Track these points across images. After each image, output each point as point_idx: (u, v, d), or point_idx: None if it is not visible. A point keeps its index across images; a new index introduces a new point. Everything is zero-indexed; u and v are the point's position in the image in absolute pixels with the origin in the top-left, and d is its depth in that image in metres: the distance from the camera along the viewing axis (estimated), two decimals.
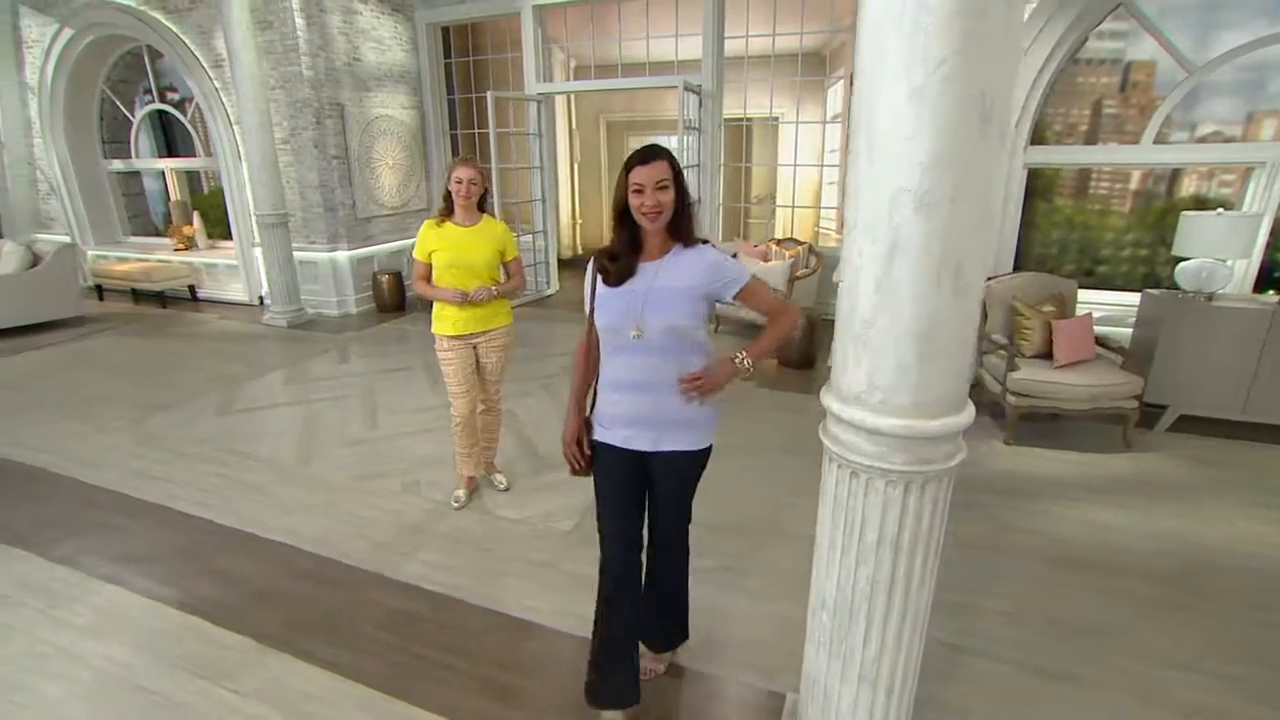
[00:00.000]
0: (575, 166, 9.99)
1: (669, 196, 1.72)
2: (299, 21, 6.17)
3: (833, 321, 5.48)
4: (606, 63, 7.62)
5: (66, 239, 8.10)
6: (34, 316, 6.44)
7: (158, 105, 7.95)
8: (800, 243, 6.12)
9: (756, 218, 8.95)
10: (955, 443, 1.35)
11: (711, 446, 1.93)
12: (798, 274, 5.55)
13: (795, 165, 6.64)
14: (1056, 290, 4.36)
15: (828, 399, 1.40)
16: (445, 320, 3.06)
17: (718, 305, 1.88)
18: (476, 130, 7.85)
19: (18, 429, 4.24)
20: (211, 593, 2.66)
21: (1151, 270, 5.29)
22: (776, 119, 8.02)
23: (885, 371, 1.28)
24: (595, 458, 1.94)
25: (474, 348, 3.16)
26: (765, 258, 6.22)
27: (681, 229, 1.79)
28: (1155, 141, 4.73)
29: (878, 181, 1.20)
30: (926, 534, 1.40)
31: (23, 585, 2.70)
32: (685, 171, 6.19)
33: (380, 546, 2.97)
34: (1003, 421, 4.05)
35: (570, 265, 9.34)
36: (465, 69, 7.92)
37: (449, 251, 2.96)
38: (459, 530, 3.10)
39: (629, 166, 1.73)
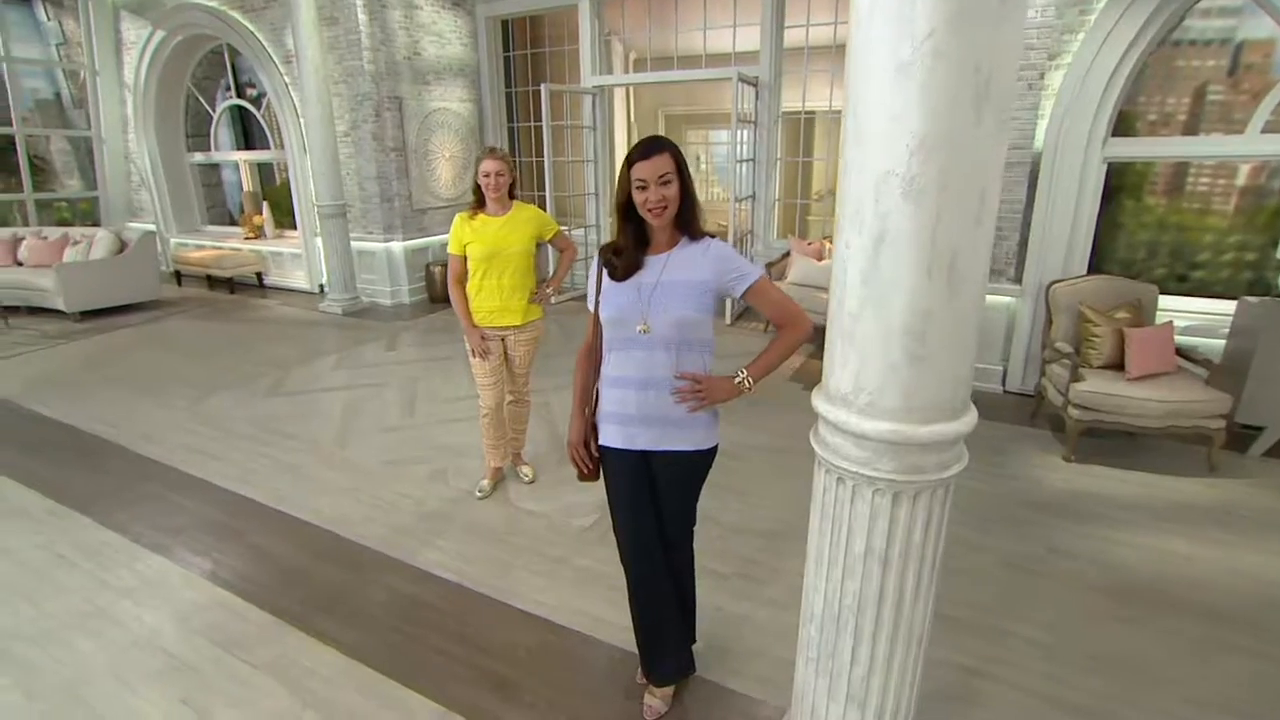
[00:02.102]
0: None
1: (673, 190, 1.69)
2: (361, 17, 6.42)
3: None
4: (663, 55, 7.59)
5: (153, 227, 8.73)
6: (119, 299, 6.97)
7: (234, 100, 8.45)
8: None
9: (817, 215, 8.72)
10: (951, 452, 1.26)
11: (716, 447, 1.89)
12: None
13: None
14: (1133, 296, 4.05)
15: (816, 399, 1.34)
16: (480, 311, 3.12)
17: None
18: (533, 123, 7.97)
19: (95, 403, 4.61)
20: (241, 567, 2.81)
21: (1259, 276, 4.82)
22: (840, 112, 7.78)
23: (872, 371, 1.21)
24: (602, 461, 1.94)
25: (503, 340, 3.21)
26: (819, 256, 6.05)
27: (688, 221, 1.76)
28: (1265, 131, 4.28)
29: (864, 165, 1.14)
30: (920, 549, 1.31)
31: (79, 547, 2.93)
32: (738, 166, 6.03)
33: (401, 532, 3.05)
34: (1065, 436, 3.79)
35: None
36: (524, 62, 8.06)
37: (484, 243, 3.01)
38: (479, 520, 3.16)
39: (630, 161, 1.70)
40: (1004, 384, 4.69)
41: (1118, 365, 3.82)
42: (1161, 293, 4.16)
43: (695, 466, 1.86)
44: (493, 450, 3.40)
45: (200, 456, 3.80)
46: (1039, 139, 4.37)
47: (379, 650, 2.33)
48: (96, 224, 8.81)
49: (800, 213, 8.06)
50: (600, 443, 1.91)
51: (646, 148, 1.69)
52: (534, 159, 8.06)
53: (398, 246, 7.33)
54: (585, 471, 1.96)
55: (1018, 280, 4.54)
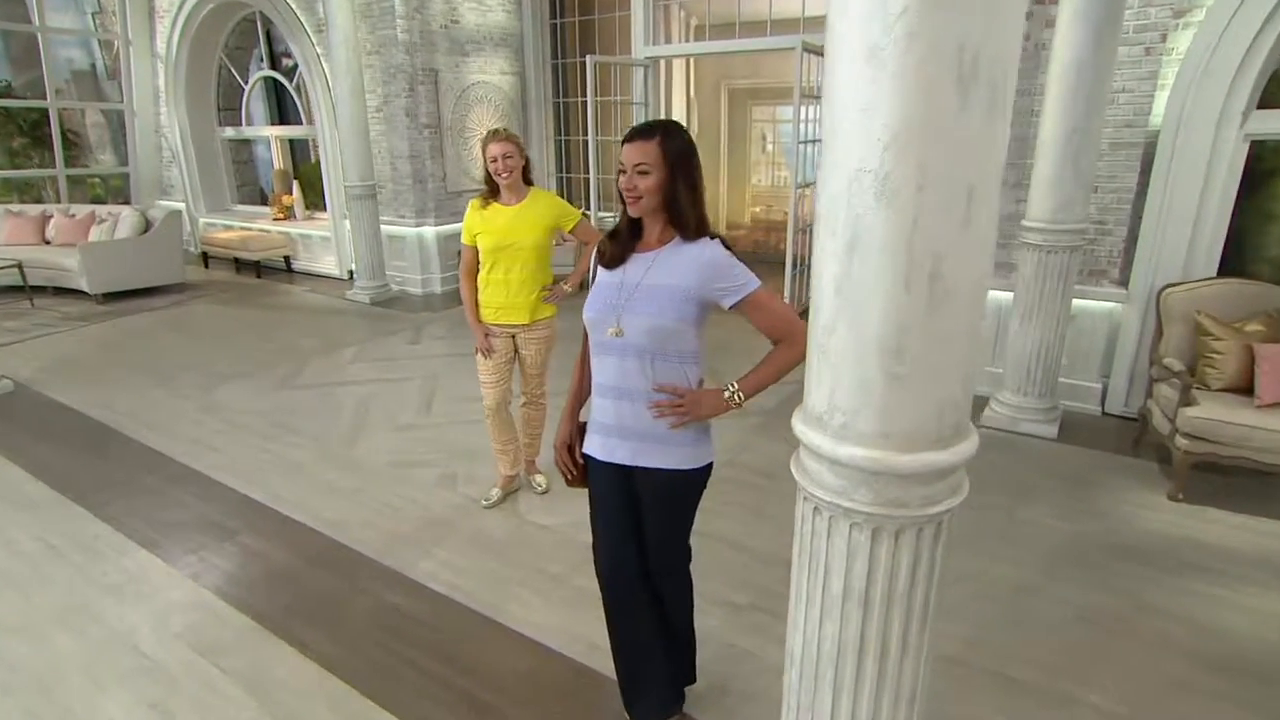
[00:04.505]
0: None
1: (649, 182, 1.72)
2: None
3: None
4: (725, 21, 7.56)
5: (182, 206, 9.35)
6: (142, 281, 7.51)
7: (266, 72, 8.94)
8: None
9: None
10: (940, 485, 1.24)
11: (708, 468, 1.91)
12: None
13: None
14: (1271, 305, 3.79)
15: (795, 419, 1.34)
16: (487, 307, 3.23)
17: None
18: (581, 98, 8.08)
19: (107, 389, 5.00)
20: (229, 568, 3.00)
21: None
22: None
23: (846, 390, 1.20)
24: (587, 468, 2.00)
25: (513, 338, 3.30)
26: None
27: (680, 219, 1.78)
28: None
29: (837, 161, 1.13)
30: (905, 593, 1.29)
31: (70, 539, 3.20)
32: (801, 148, 5.94)
33: (399, 539, 3.20)
34: (1172, 470, 3.59)
35: None
36: (574, 30, 8.16)
37: (493, 234, 3.11)
38: (481, 531, 3.27)
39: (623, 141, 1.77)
40: (1103, 404, 4.47)
41: (1244, 389, 3.58)
42: None
43: (679, 488, 1.88)
44: (502, 455, 3.51)
45: (204, 450, 4.07)
46: (1157, 113, 4.13)
47: (358, 665, 2.45)
48: (128, 201, 9.50)
49: None
50: (583, 449, 1.97)
51: (635, 131, 1.74)
52: (582, 138, 8.18)
53: (430, 231, 7.59)
54: (569, 477, 2.06)
55: (1124, 283, 4.32)
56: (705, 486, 1.93)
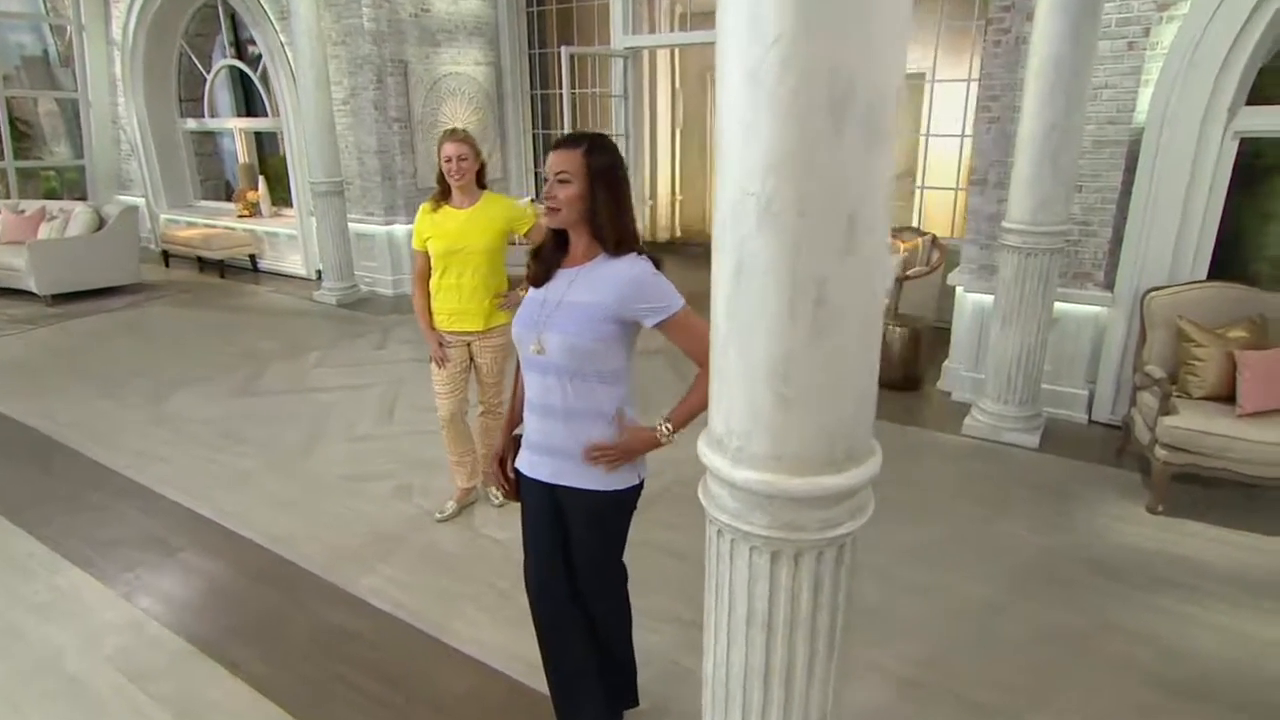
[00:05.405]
0: (677, 132, 10.06)
1: (570, 192, 1.77)
2: None
3: (948, 330, 5.07)
4: (708, 10, 7.62)
5: (141, 201, 9.37)
6: (96, 281, 7.52)
7: (230, 61, 8.96)
8: (923, 233, 5.83)
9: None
10: (837, 509, 1.29)
11: (635, 489, 1.96)
12: (908, 272, 5.29)
13: (928, 135, 6.32)
14: (1255, 310, 3.85)
15: (700, 442, 1.39)
16: (440, 313, 3.28)
17: None
18: (559, 90, 8.14)
19: (52, 397, 5.04)
20: (166, 586, 3.06)
21: None
22: (922, 75, 7.62)
23: (739, 414, 1.26)
24: (518, 482, 2.06)
25: (468, 346, 3.35)
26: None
27: (603, 234, 1.82)
28: None
29: (726, 180, 1.19)
30: (808, 618, 1.35)
31: (1, 557, 3.24)
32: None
33: (345, 554, 3.25)
34: (1152, 481, 3.65)
35: (669, 250, 9.43)
36: (551, 19, 8.21)
37: (444, 239, 3.17)
38: (432, 545, 3.33)
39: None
40: (1089, 412, 4.53)
41: (1226, 397, 3.65)
42: None
43: (603, 509, 1.93)
44: (458, 467, 3.56)
45: (151, 461, 4.11)
46: (1141, 110, 4.20)
47: (292, 687, 2.50)
48: (84, 196, 9.51)
49: None
50: (513, 464, 2.04)
51: (561, 140, 1.81)
52: (561, 132, 8.23)
53: (400, 230, 7.62)
54: (503, 490, 2.14)
55: (1109, 286, 4.38)
56: (634, 509, 1.99)
